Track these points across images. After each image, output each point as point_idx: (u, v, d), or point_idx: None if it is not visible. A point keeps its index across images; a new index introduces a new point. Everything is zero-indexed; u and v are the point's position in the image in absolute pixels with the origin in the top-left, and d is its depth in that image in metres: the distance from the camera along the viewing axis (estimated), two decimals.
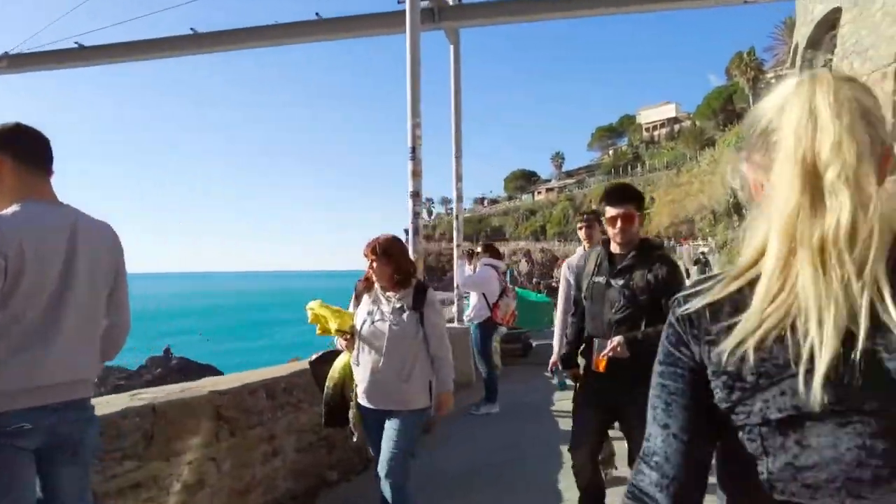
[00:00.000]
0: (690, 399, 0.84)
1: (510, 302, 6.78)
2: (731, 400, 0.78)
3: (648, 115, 79.91)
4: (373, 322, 3.12)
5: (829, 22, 9.19)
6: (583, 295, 3.21)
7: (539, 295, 13.24)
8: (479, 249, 7.10)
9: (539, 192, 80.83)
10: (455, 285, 8.32)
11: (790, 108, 0.76)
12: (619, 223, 2.93)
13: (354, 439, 3.45)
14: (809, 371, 0.70)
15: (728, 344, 0.75)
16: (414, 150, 6.64)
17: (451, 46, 9.15)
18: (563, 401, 5.99)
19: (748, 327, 0.74)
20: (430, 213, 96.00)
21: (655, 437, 0.86)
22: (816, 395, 0.69)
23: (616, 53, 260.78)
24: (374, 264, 3.11)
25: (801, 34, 10.43)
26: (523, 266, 66.19)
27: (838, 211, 0.70)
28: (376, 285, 3.21)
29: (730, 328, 0.76)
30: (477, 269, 6.78)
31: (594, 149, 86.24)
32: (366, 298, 3.25)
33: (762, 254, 0.77)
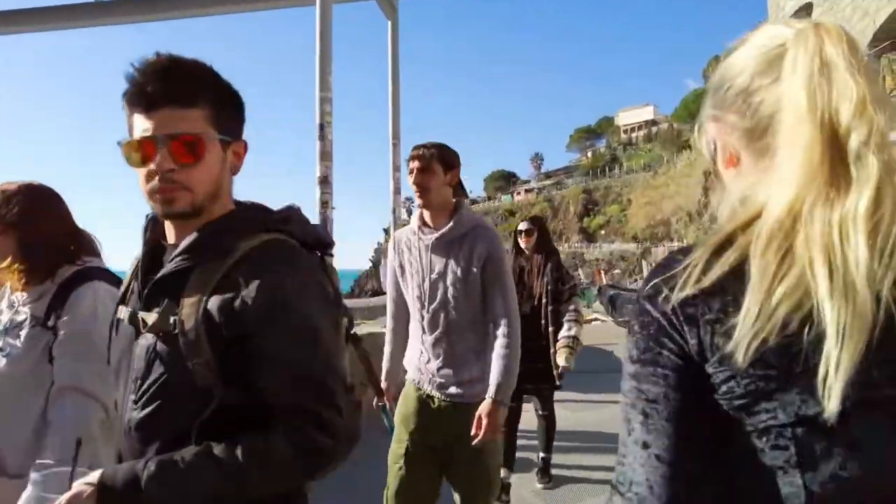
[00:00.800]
0: (677, 405, 0.63)
1: None
2: (747, 395, 0.59)
3: (627, 117, 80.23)
4: None
5: (801, 17, 9.02)
6: None
7: None
8: None
9: (518, 193, 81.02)
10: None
11: (794, 61, 0.64)
12: None
13: None
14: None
15: (743, 331, 0.58)
16: (322, 128, 5.98)
17: (389, 23, 8.54)
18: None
19: (766, 310, 0.57)
20: (409, 212, 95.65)
21: (633, 459, 0.64)
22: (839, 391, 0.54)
23: (597, 54, 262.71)
24: None
25: None
26: None
27: (865, 183, 0.58)
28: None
29: (735, 310, 0.60)
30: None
31: (573, 150, 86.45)
32: None
33: (749, 224, 0.64)
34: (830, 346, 0.55)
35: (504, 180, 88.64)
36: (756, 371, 0.58)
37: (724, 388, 0.61)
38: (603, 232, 61.39)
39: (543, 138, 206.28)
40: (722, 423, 0.61)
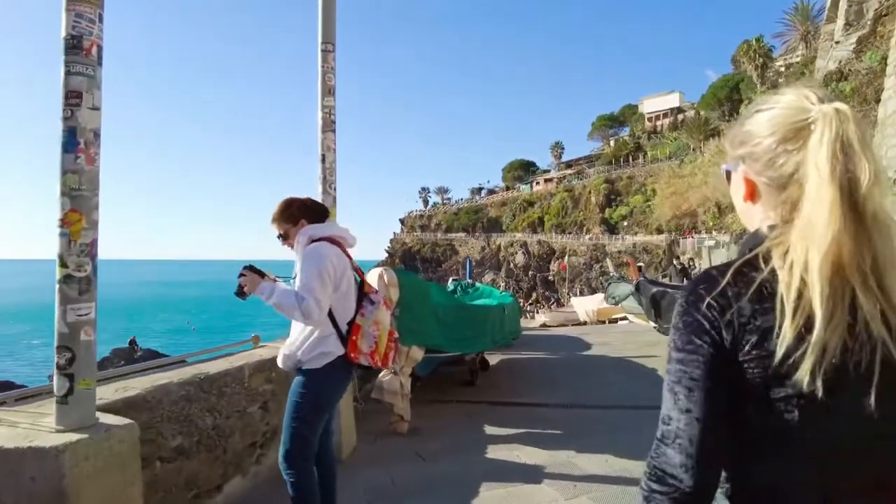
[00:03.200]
0: (711, 384, 0.90)
1: (378, 317, 3.05)
2: (771, 377, 0.87)
3: (651, 105, 77.62)
4: None
5: None
6: None
7: (503, 294, 10.76)
8: None
9: (537, 183, 79.03)
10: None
11: (821, 138, 0.87)
12: None
13: None
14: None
15: (781, 342, 0.86)
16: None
17: None
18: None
19: (816, 343, 0.84)
20: (426, 202, 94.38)
21: (678, 420, 0.91)
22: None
23: (619, 42, 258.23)
24: None
25: None
26: (520, 258, 64.49)
27: (883, 239, 0.85)
28: None
29: (762, 316, 0.88)
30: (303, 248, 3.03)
31: (594, 138, 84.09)
32: None
33: (771, 250, 0.91)
34: (817, 349, 0.83)
35: (523, 170, 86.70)
36: (784, 370, 0.86)
37: (754, 371, 0.88)
38: (626, 223, 59.36)
39: (563, 127, 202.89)
40: (740, 397, 0.89)
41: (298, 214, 2.91)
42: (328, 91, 4.85)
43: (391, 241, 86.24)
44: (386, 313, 3.06)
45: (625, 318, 16.82)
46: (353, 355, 2.86)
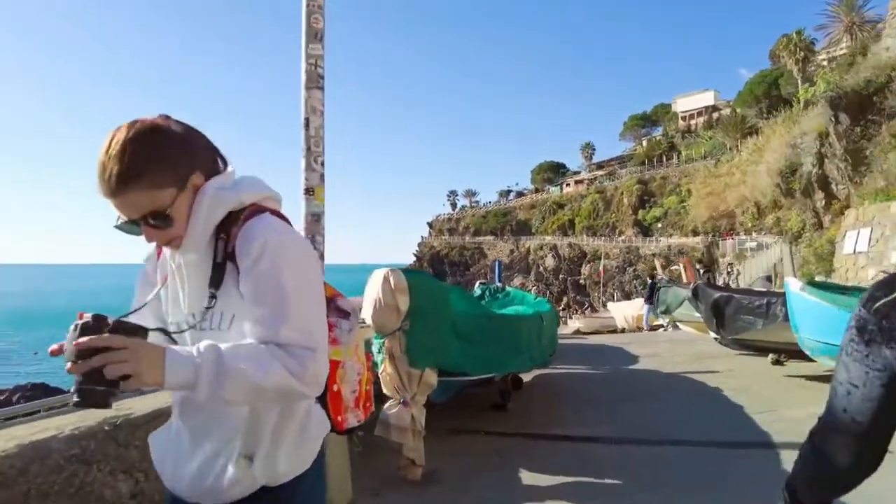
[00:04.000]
0: (871, 388, 1.02)
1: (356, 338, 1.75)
2: None
3: (685, 103, 75.33)
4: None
5: None
6: None
7: (538, 299, 9.26)
8: None
9: (567, 185, 77.29)
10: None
11: None
12: None
13: None
14: None
15: None
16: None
17: None
18: None
19: None
20: (454, 206, 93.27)
21: (835, 418, 1.11)
22: None
23: (649, 42, 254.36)
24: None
25: None
26: (550, 261, 62.89)
27: None
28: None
29: None
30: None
31: (626, 138, 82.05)
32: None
33: None
34: None
35: (552, 171, 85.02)
36: None
37: None
38: (660, 225, 57.37)
39: (594, 127, 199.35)
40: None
41: (185, 161, 1.25)
42: (314, 36, 3.68)
43: (419, 244, 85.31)
44: (359, 331, 1.81)
45: (675, 326, 15.51)
46: (339, 419, 1.57)
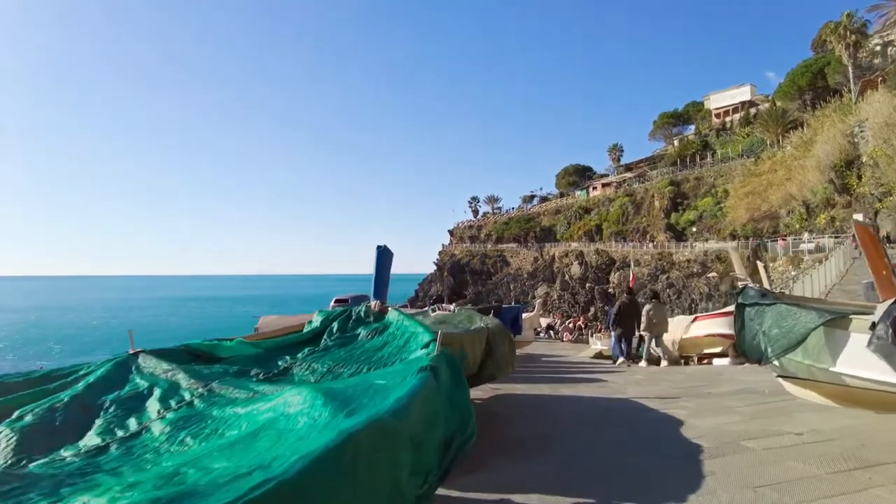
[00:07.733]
0: None
1: None
2: None
3: (719, 100, 70.82)
4: None
5: None
6: None
7: (425, 354, 3.86)
8: None
9: (594, 188, 73.23)
10: None
11: None
12: None
13: None
14: None
15: None
16: None
17: None
18: None
19: None
20: (475, 212, 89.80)
21: None
22: None
23: (677, 42, 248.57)
24: None
25: None
26: (576, 269, 58.90)
27: None
28: None
29: None
30: None
31: (656, 138, 77.75)
32: None
33: None
34: None
35: (578, 175, 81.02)
36: None
37: None
38: (694, 229, 53.02)
39: (621, 128, 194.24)
40: None
41: None
42: None
43: (439, 252, 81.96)
44: None
45: (720, 356, 11.44)
46: None
